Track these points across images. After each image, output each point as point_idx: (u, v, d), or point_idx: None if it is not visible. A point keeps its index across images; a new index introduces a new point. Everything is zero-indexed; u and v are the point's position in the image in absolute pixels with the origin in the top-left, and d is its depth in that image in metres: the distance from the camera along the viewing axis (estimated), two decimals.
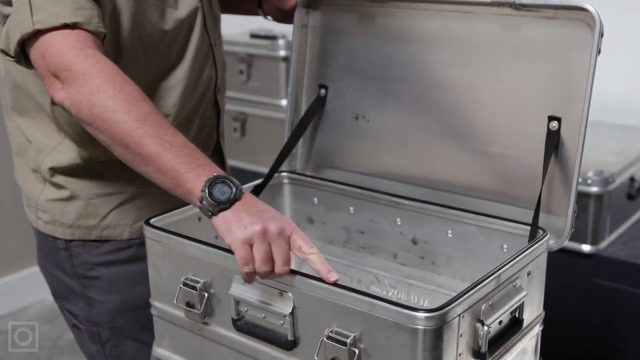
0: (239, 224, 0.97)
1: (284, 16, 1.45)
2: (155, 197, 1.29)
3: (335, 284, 0.97)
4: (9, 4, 1.06)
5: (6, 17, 1.07)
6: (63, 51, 1.02)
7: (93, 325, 1.33)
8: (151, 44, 1.21)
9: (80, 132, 1.21)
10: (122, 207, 1.28)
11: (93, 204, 1.27)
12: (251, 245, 0.96)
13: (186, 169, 0.99)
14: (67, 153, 1.25)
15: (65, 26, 1.02)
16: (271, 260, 0.97)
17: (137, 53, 1.20)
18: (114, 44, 1.18)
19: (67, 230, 1.29)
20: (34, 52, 1.05)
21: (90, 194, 1.27)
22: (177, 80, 1.27)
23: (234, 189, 0.99)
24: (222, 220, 0.98)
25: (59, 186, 1.27)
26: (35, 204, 1.31)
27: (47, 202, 1.29)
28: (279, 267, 0.98)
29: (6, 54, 1.07)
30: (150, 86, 1.24)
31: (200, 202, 0.98)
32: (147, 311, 1.29)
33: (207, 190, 0.97)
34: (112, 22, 1.16)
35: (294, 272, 1.02)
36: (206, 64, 1.33)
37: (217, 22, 1.37)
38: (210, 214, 0.99)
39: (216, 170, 1.01)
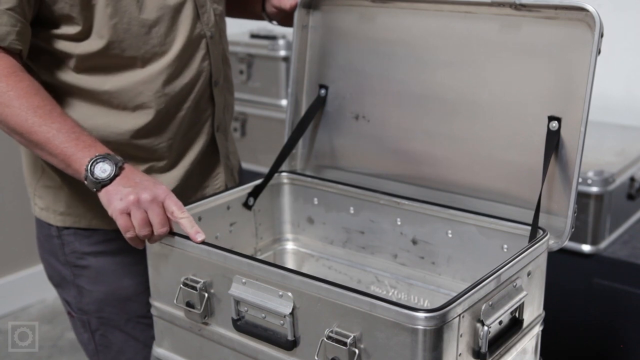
0: (116, 197, 1.10)
1: (286, 18, 1.45)
2: None
3: (335, 284, 0.97)
4: None
5: None
6: None
7: (83, 313, 1.36)
8: (130, 31, 1.23)
9: None
10: None
11: (82, 193, 1.28)
12: (129, 214, 1.09)
13: (73, 151, 1.12)
14: None
15: None
16: (148, 224, 1.10)
17: (115, 40, 1.22)
18: (89, 31, 1.21)
19: (59, 217, 1.32)
20: None
21: (81, 184, 1.28)
22: (160, 68, 1.27)
23: (114, 167, 1.11)
24: (104, 194, 1.11)
25: (52, 174, 1.30)
26: (34, 189, 1.34)
27: (43, 189, 1.33)
28: (157, 230, 1.10)
29: None
30: (133, 71, 1.25)
31: (85, 179, 1.12)
32: (133, 303, 1.32)
33: (89, 169, 1.11)
34: (88, 8, 1.19)
35: (293, 272, 1.02)
36: (196, 55, 1.32)
37: (217, 16, 1.36)
38: (95, 189, 1.12)
39: (100, 150, 1.13)
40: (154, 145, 1.30)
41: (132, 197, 1.09)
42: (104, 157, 1.11)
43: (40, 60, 1.24)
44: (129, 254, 1.31)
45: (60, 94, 1.24)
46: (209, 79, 1.36)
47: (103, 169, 1.11)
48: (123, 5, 1.21)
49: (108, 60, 1.24)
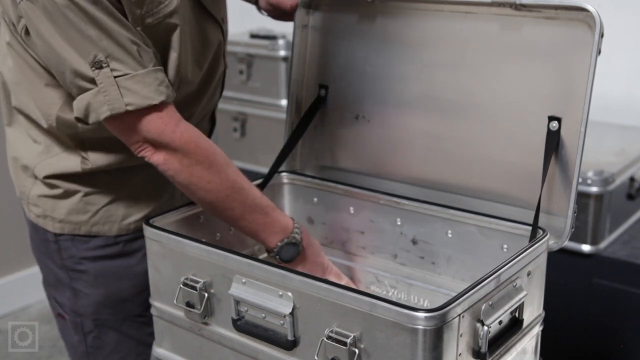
0: (320, 265, 1.28)
1: (282, 15, 1.45)
2: (145, 196, 1.31)
3: (335, 284, 0.98)
4: (92, 81, 1.09)
5: (82, 88, 1.11)
6: (160, 128, 1.13)
7: (77, 315, 1.34)
8: (186, 90, 1.26)
9: (93, 147, 1.24)
10: (112, 205, 1.29)
11: (85, 200, 1.28)
12: None
13: (263, 233, 1.23)
14: (67, 162, 1.26)
15: (154, 105, 1.11)
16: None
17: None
18: None
19: (57, 224, 1.30)
20: (120, 124, 1.13)
21: (84, 192, 1.28)
22: (195, 110, 1.30)
23: (297, 249, 1.25)
24: (307, 259, 1.27)
25: (51, 185, 1.28)
26: (27, 197, 1.32)
27: (37, 198, 1.30)
28: None
29: (80, 120, 1.14)
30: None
31: (272, 256, 1.24)
32: (130, 304, 1.32)
33: (278, 252, 1.23)
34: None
35: (293, 272, 1.02)
36: (217, 89, 1.37)
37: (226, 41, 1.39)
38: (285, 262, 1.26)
39: (285, 230, 1.23)
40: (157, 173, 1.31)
41: (332, 267, 1.30)
42: (289, 242, 1.23)
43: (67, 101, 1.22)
44: (128, 256, 1.31)
45: (77, 135, 1.24)
46: (215, 104, 1.40)
47: (288, 252, 1.24)
48: (187, 69, 1.22)
49: None
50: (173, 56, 1.19)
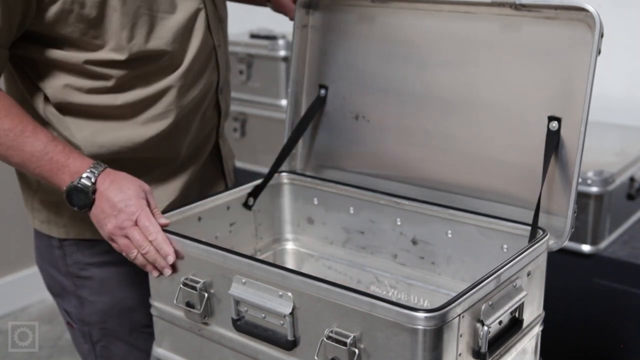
0: (100, 224, 1.14)
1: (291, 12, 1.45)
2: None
3: (335, 284, 0.97)
4: None
5: None
6: None
7: (85, 324, 1.34)
8: (142, 57, 1.22)
9: (83, 142, 1.23)
10: None
11: None
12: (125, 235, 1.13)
13: (53, 179, 1.15)
14: None
15: None
16: (134, 246, 1.12)
17: (128, 61, 1.20)
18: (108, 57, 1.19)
19: (61, 229, 1.30)
20: None
21: None
22: (171, 83, 1.26)
23: (89, 194, 1.13)
24: (93, 218, 1.15)
25: (51, 188, 1.27)
26: (31, 204, 1.32)
27: (41, 203, 1.30)
28: (144, 250, 1.12)
29: None
30: (145, 87, 1.24)
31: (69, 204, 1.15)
32: (137, 313, 1.30)
33: (67, 197, 1.14)
34: (101, 29, 1.16)
35: (293, 272, 1.02)
36: (207, 66, 1.32)
37: (222, 23, 1.37)
38: (82, 211, 1.15)
39: (71, 175, 1.13)
40: (160, 157, 1.29)
41: (110, 226, 1.13)
42: (76, 188, 1.13)
43: (46, 80, 1.21)
44: (134, 264, 1.30)
45: (68, 112, 1.23)
46: (216, 87, 1.36)
47: (79, 198, 1.13)
48: (137, 28, 1.19)
49: (121, 80, 1.22)
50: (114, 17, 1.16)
